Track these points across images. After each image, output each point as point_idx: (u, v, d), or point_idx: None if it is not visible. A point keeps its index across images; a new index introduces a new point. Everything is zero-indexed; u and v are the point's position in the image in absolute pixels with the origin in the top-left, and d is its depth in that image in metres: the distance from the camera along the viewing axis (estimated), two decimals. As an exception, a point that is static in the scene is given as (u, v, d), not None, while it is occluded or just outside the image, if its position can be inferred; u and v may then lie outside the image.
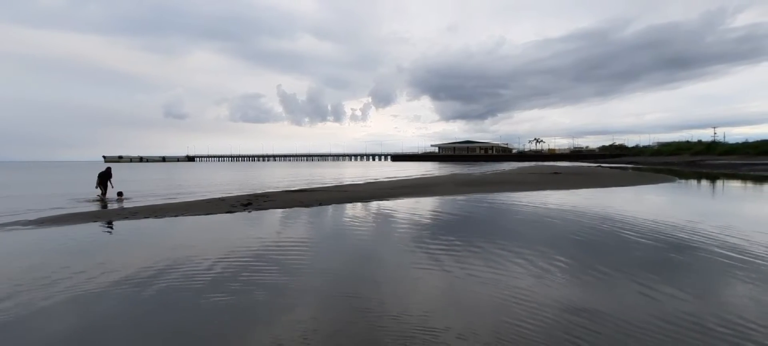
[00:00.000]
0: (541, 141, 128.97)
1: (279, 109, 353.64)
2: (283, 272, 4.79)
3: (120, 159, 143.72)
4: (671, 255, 5.38)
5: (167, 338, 3.06)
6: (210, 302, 3.78)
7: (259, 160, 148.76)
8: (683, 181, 20.35)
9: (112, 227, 8.13)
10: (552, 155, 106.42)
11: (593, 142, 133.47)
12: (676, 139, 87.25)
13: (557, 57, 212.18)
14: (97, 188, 14.25)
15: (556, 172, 28.33)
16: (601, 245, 6.13)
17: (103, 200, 13.34)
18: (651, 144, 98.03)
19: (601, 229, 7.31)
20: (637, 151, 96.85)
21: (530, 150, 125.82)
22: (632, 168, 37.92)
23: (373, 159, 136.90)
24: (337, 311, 3.54)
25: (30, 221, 8.94)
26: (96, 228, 8.05)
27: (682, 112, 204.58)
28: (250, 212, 10.13)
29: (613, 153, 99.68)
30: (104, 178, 14.33)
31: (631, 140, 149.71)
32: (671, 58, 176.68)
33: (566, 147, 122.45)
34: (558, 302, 3.64)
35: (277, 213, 9.86)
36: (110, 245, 6.60)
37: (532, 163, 63.52)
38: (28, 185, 23.23)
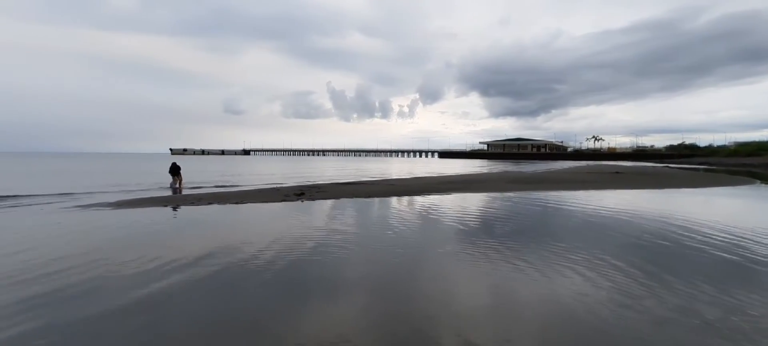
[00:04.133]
0: (600, 139, 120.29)
1: (328, 105, 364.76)
2: (336, 256, 4.92)
3: (184, 152, 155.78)
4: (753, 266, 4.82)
5: (236, 311, 3.27)
6: (272, 280, 4.00)
7: (309, 155, 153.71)
8: (764, 184, 18.15)
9: (181, 212, 8.80)
10: (612, 154, 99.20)
11: (658, 142, 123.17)
12: (757, 139, 77.91)
13: (618, 50, 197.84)
14: (173, 179, 15.70)
15: (618, 171, 26.41)
16: (675, 250, 5.63)
17: (172, 188, 14.58)
18: (727, 144, 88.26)
19: (675, 233, 6.71)
20: (710, 152, 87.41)
21: (587, 149, 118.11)
22: (704, 169, 34.37)
23: (420, 156, 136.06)
24: (389, 295, 3.57)
25: (109, 203, 9.94)
26: (167, 212, 8.77)
27: (762, 110, 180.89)
28: (303, 201, 10.51)
29: (682, 153, 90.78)
30: (175, 170, 15.79)
31: (702, 140, 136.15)
32: (750, 49, 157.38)
33: (628, 146, 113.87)
34: (632, 312, 3.41)
35: (328, 203, 10.14)
36: (182, 227, 7.17)
37: (591, 163, 59.76)
38: (105, 173, 25.77)
